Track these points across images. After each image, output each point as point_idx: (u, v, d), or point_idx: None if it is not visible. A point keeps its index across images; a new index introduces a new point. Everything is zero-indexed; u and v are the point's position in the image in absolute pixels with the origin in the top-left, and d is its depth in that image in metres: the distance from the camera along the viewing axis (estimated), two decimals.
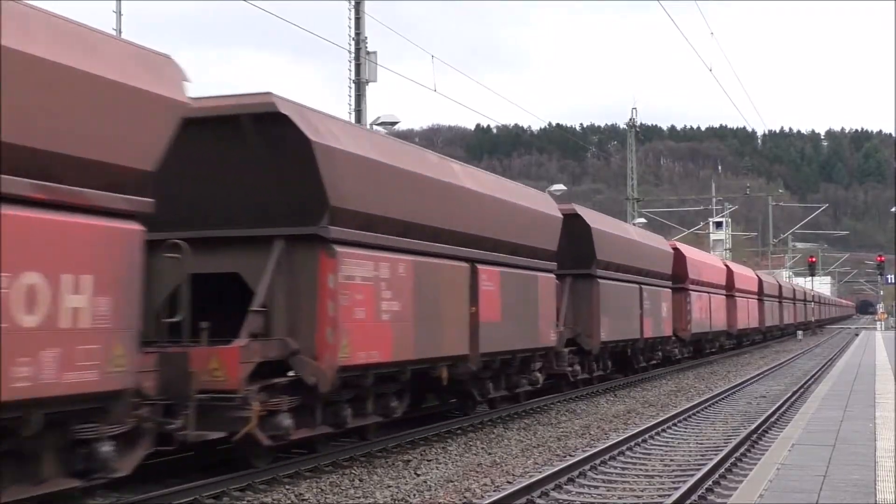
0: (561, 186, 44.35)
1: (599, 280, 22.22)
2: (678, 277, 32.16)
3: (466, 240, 14.96)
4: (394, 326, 12.49)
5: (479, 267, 15.34)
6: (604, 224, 23.77)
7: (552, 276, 19.03)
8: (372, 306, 11.98)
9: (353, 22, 24.74)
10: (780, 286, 62.99)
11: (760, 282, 52.82)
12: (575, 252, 21.50)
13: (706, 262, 38.60)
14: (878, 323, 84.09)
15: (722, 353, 42.34)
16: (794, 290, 73.42)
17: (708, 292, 36.61)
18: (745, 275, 49.28)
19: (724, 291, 40.72)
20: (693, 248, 40.36)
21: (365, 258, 11.94)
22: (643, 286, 26.44)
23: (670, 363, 32.36)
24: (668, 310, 29.72)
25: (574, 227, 21.40)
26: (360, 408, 12.72)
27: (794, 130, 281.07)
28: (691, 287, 33.39)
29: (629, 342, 25.50)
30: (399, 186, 12.89)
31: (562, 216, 19.76)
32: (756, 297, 50.67)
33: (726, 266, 43.63)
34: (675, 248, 33.19)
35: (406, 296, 12.86)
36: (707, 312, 36.09)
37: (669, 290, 30.34)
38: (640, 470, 12.67)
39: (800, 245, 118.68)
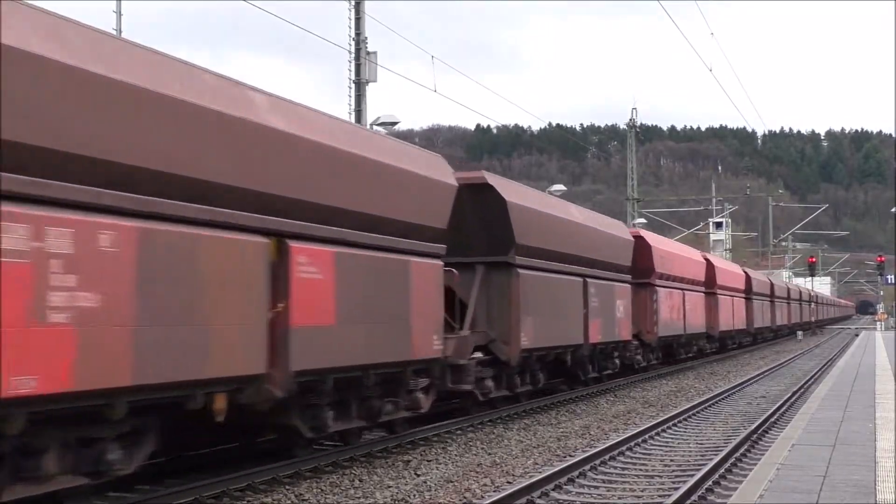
0: (561, 186, 44.34)
1: (520, 270, 17.12)
2: (642, 271, 26.97)
3: (267, 203, 10.03)
4: (82, 333, 7.55)
5: (294, 245, 10.41)
6: (528, 199, 18.47)
7: (438, 262, 14.13)
8: (20, 300, 7.07)
9: (353, 22, 24.76)
10: (771, 284, 57.70)
11: (748, 278, 47.58)
12: (488, 234, 16.73)
13: (679, 253, 33.04)
14: (878, 323, 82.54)
15: (702, 358, 37.58)
16: (787, 288, 67.48)
17: (682, 289, 31.34)
18: (730, 270, 44.02)
19: (702, 288, 35.52)
20: (663, 238, 34.82)
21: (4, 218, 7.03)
22: (589, 279, 21.15)
23: (633, 372, 27.34)
24: (625, 309, 24.33)
25: (486, 202, 16.58)
26: (33, 468, 7.78)
27: (794, 131, 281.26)
28: (659, 282, 28.18)
29: (567, 349, 20.18)
30: (112, 110, 8.00)
31: (456, 184, 14.83)
32: (743, 295, 45.42)
33: (706, 259, 38.17)
34: (638, 236, 27.68)
35: (117, 283, 7.93)
36: (679, 312, 30.76)
37: (629, 286, 25.00)
38: (640, 470, 12.58)
39: (800, 245, 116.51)
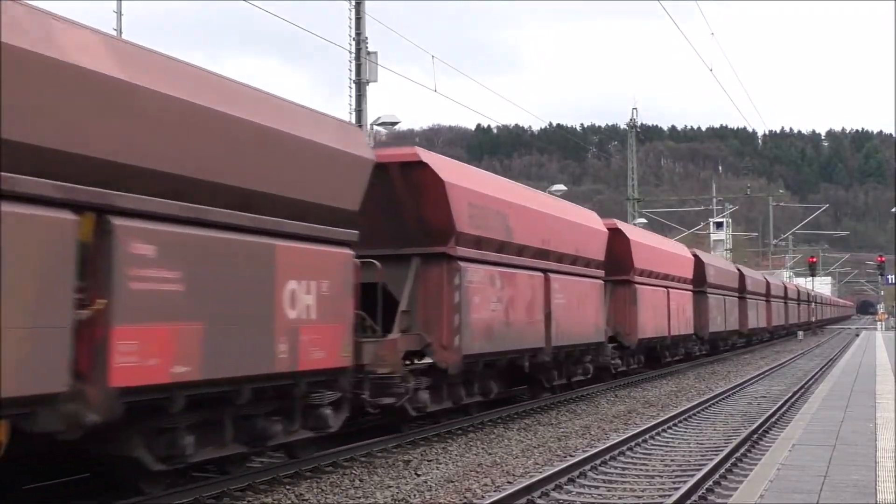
0: (561, 187, 43.97)
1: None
2: (432, 233, 14.54)
3: None
4: None
5: None
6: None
7: None
8: None
9: (353, 22, 24.71)
10: (741, 275, 43.96)
11: (700, 265, 34.75)
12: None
13: (537, 209, 18.62)
14: (878, 323, 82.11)
15: (603, 381, 24.34)
16: (767, 283, 53.01)
17: (546, 270, 18.47)
18: (663, 250, 30.40)
19: (601, 273, 22.58)
20: (489, 175, 18.44)
21: None
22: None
23: (422, 423, 15.17)
24: (336, 303, 11.18)
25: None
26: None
27: (795, 131, 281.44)
28: (470, 254, 15.32)
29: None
30: None
31: None
32: (690, 287, 33.17)
33: (612, 229, 24.51)
34: (415, 161, 14.31)
35: None
36: (537, 310, 17.81)
37: (349, 255, 11.79)
38: (641, 470, 12.58)
39: (800, 246, 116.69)
